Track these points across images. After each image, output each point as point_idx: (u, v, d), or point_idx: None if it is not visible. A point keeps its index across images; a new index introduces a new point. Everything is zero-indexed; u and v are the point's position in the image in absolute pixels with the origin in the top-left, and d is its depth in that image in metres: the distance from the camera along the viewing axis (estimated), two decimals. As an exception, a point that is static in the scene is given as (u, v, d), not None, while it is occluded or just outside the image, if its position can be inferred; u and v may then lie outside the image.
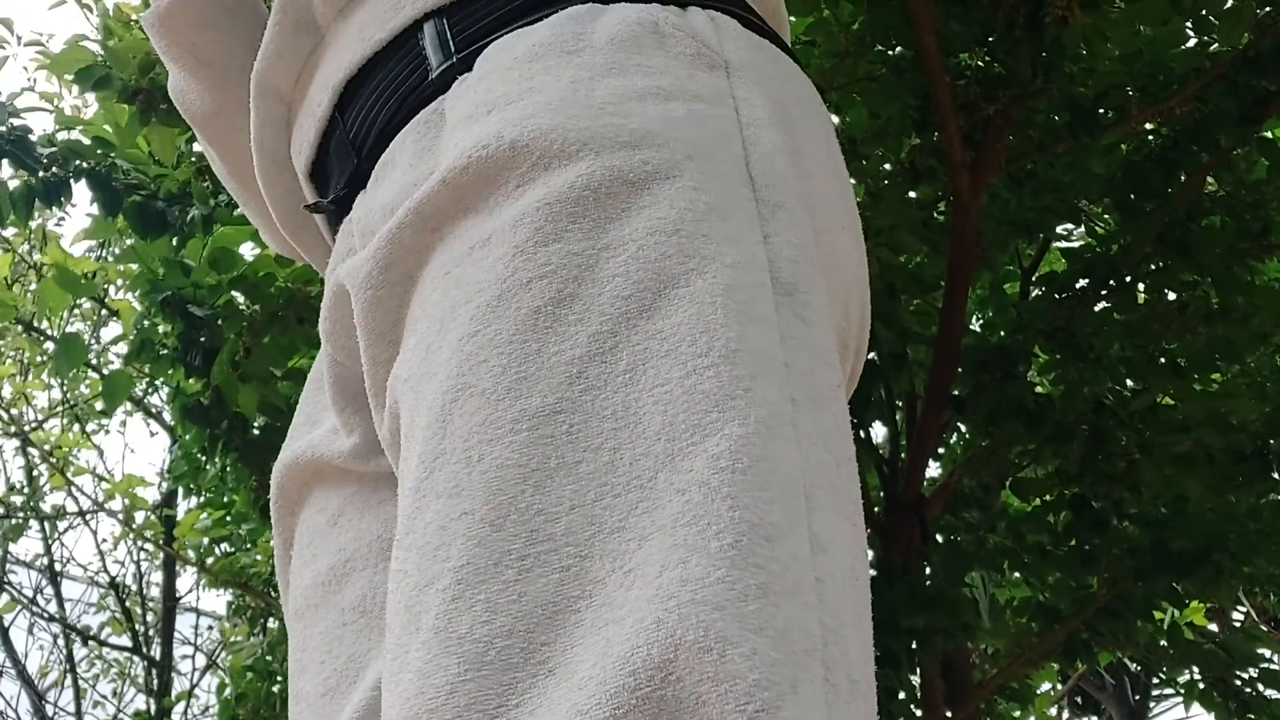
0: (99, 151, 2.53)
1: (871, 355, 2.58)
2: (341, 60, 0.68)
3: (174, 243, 2.67)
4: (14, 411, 5.64)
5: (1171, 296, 2.57)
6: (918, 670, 2.66)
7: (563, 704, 0.40)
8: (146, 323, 2.83)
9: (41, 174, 2.44)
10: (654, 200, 0.51)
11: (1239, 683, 2.85)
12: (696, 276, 0.49)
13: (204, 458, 3.42)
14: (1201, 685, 2.89)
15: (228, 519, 3.59)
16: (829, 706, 0.41)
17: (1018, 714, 3.60)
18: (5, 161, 2.48)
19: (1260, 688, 2.83)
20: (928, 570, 2.73)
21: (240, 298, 2.59)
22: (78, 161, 2.48)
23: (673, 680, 0.40)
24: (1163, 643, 2.86)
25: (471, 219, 0.53)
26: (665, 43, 0.58)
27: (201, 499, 3.80)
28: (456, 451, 0.47)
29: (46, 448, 5.54)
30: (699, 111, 0.55)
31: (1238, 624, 3.64)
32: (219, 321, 2.54)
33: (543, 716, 0.40)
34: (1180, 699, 4.92)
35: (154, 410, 5.42)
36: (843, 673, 0.42)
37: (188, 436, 3.25)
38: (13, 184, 2.48)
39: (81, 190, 2.52)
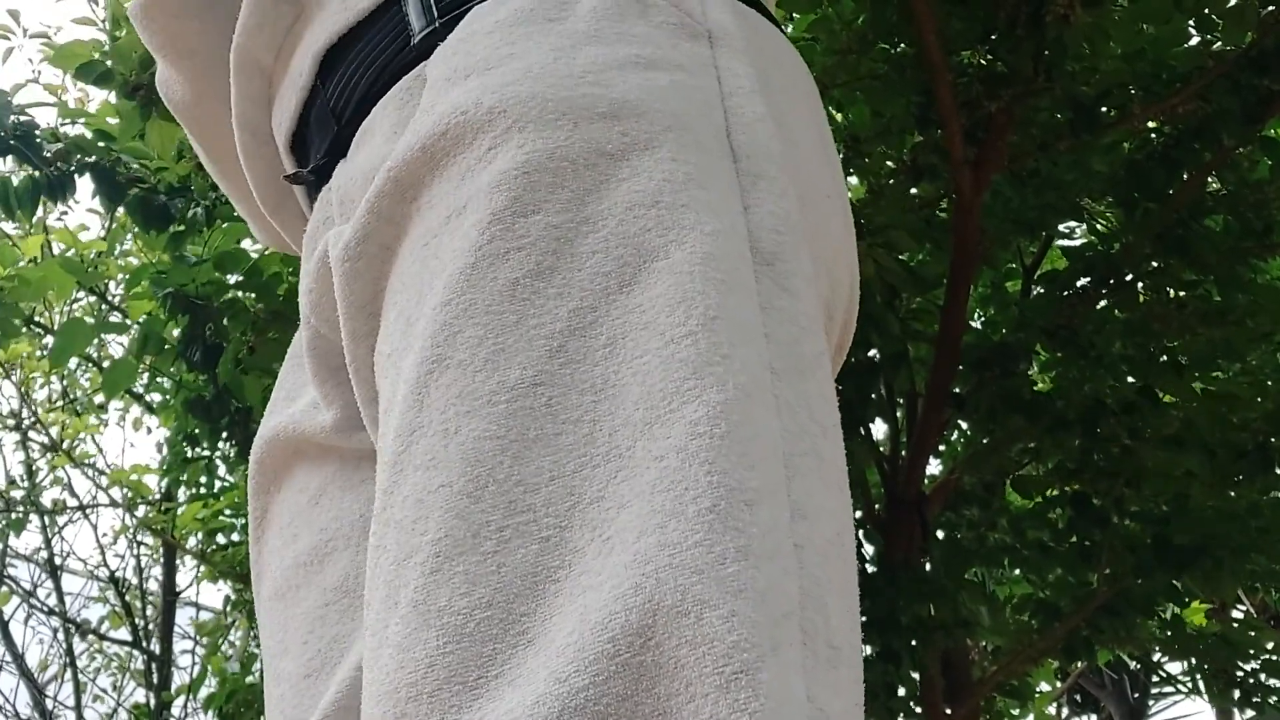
0: (101, 145, 2.53)
1: (872, 353, 2.58)
2: (324, 29, 0.67)
3: (177, 234, 2.67)
4: (13, 404, 5.64)
5: (1173, 295, 2.57)
6: (918, 667, 2.66)
7: (541, 672, 0.40)
8: (149, 314, 2.84)
9: (46, 169, 2.44)
10: (633, 172, 0.51)
11: (1240, 674, 2.86)
12: (675, 248, 0.49)
13: (190, 450, 3.42)
14: (1200, 677, 2.90)
15: (225, 513, 3.60)
16: (806, 671, 0.40)
17: (1017, 712, 3.60)
18: (9, 156, 2.49)
19: (1262, 678, 2.84)
20: (928, 567, 2.74)
21: (244, 294, 2.59)
22: (80, 156, 2.48)
23: (651, 645, 0.39)
24: (1167, 633, 2.87)
25: (447, 185, 0.53)
26: (648, 11, 0.58)
27: (191, 492, 3.80)
28: (434, 424, 0.47)
29: (50, 437, 5.53)
30: (681, 81, 0.55)
31: (1237, 623, 3.64)
32: (224, 319, 2.54)
33: (522, 686, 0.40)
34: (1180, 697, 4.92)
35: (153, 406, 5.42)
36: (822, 639, 0.42)
37: (175, 431, 3.26)
38: (17, 179, 2.48)
39: (84, 184, 2.52)
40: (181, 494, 4.30)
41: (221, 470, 3.64)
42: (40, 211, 4.55)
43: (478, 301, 0.49)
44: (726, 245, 0.49)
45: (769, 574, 0.41)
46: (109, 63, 2.33)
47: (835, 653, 0.42)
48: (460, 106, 0.54)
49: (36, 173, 2.44)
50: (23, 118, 2.47)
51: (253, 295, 2.55)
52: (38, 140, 2.47)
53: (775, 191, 0.53)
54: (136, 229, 2.73)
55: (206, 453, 3.47)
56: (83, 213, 5.83)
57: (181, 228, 2.59)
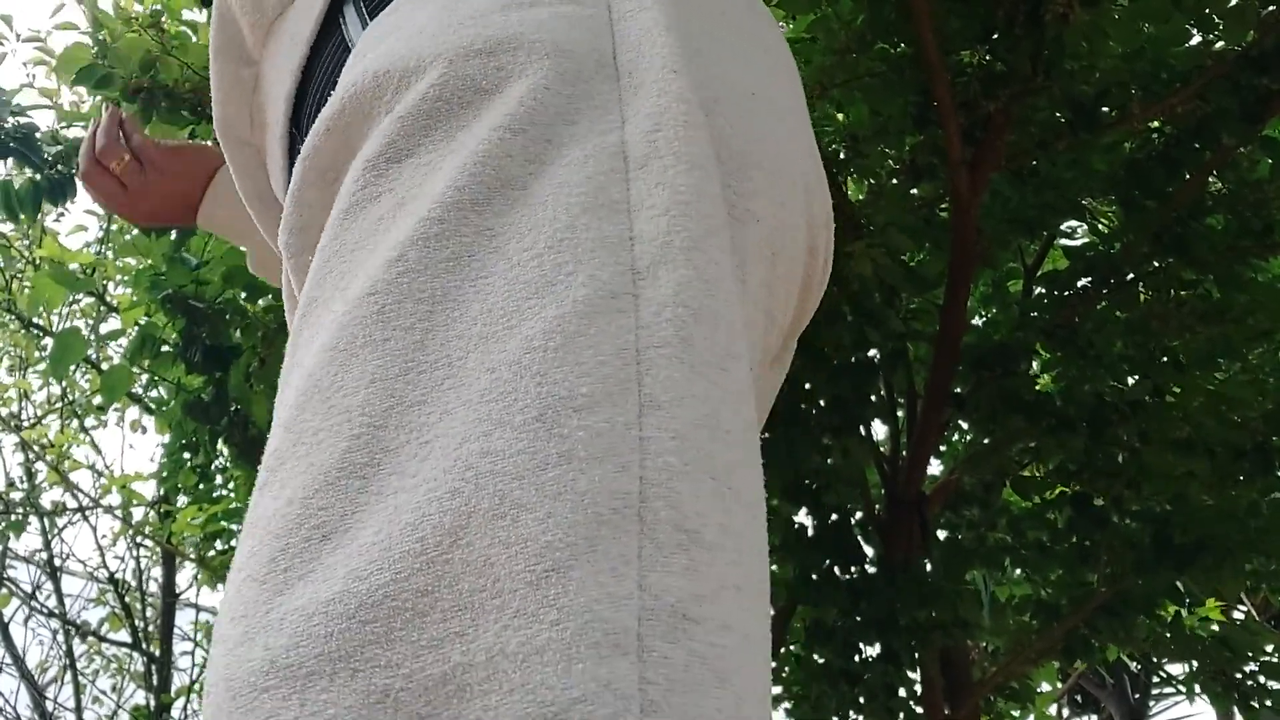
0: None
1: (871, 353, 2.58)
2: (281, 75, 0.69)
3: (175, 235, 2.67)
4: (12, 407, 5.64)
5: (1173, 295, 2.57)
6: (918, 667, 2.66)
7: (340, 569, 0.39)
8: (146, 319, 2.83)
9: (46, 171, 2.44)
10: (504, 101, 0.51)
11: (1240, 675, 2.85)
12: (534, 180, 0.48)
13: (188, 455, 3.42)
14: (1201, 679, 2.90)
15: (219, 516, 3.60)
16: (642, 560, 0.39)
17: (1018, 713, 3.60)
18: (9, 159, 2.48)
19: (1262, 679, 2.83)
20: (928, 567, 2.73)
21: (244, 295, 2.59)
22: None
23: (462, 544, 0.39)
24: (1167, 634, 2.87)
25: (354, 158, 0.54)
26: None
27: (192, 498, 3.80)
28: (295, 353, 0.48)
29: (44, 444, 5.53)
30: (565, 12, 0.54)
31: (1239, 622, 3.64)
32: (225, 317, 2.53)
33: (317, 583, 0.39)
34: (1181, 698, 4.92)
35: (152, 407, 5.41)
36: (669, 525, 0.40)
37: (173, 436, 3.25)
38: (19, 182, 2.47)
39: (82, 189, 2.51)
40: (181, 499, 4.30)
41: (219, 479, 3.63)
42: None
43: (347, 242, 0.49)
44: (589, 168, 0.49)
45: (595, 475, 0.40)
46: (110, 65, 2.32)
47: (688, 535, 0.40)
48: (352, 80, 0.55)
49: (38, 175, 2.44)
50: (23, 119, 2.47)
51: (260, 305, 2.55)
52: (38, 143, 2.47)
53: (654, 95, 0.52)
54: (134, 230, 2.72)
55: (202, 460, 3.47)
56: (80, 214, 5.84)
57: (177, 231, 2.59)
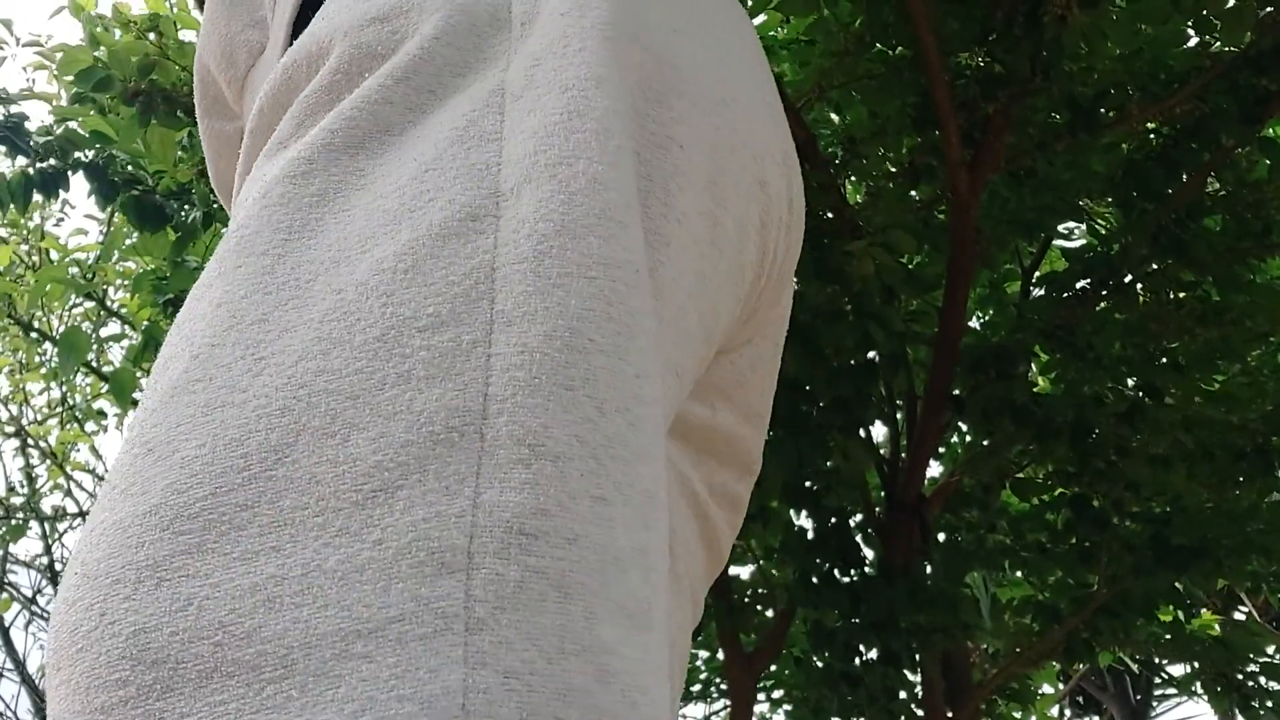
0: (98, 146, 2.52)
1: (871, 355, 2.58)
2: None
3: (177, 239, 2.67)
4: (12, 410, 5.64)
5: (1171, 296, 2.57)
6: (918, 670, 2.66)
7: (160, 482, 0.39)
8: (149, 321, 2.83)
9: (39, 164, 2.44)
10: (396, 64, 0.51)
11: (1240, 676, 2.85)
12: (411, 127, 0.48)
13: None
14: (1201, 679, 2.90)
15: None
16: (479, 477, 0.38)
17: (1018, 715, 3.59)
18: (1, 149, 2.48)
19: (1262, 680, 2.83)
20: (928, 569, 2.73)
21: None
22: (76, 153, 2.47)
23: (287, 461, 0.38)
24: (1165, 636, 2.87)
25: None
26: None
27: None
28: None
29: (44, 448, 5.53)
30: None
31: (1239, 624, 3.64)
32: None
33: (134, 497, 0.39)
34: (1182, 699, 4.91)
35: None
36: (511, 440, 0.39)
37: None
38: (9, 173, 2.47)
39: (80, 187, 2.52)
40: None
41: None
42: (38, 218, 4.55)
43: (238, 202, 0.49)
44: (464, 107, 0.48)
45: (433, 395, 0.39)
46: (109, 68, 2.33)
47: (531, 449, 0.39)
48: (268, 83, 0.55)
49: (30, 168, 2.44)
50: (14, 108, 2.47)
51: None
52: (28, 133, 2.47)
53: (538, 36, 0.51)
54: (135, 233, 2.72)
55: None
56: (80, 218, 5.85)
57: (178, 234, 2.59)
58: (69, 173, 2.46)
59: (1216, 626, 3.46)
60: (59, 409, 5.79)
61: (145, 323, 2.87)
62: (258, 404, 0.39)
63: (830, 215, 2.42)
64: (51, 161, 2.42)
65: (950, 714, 2.73)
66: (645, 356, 0.45)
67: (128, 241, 3.77)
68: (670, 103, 0.54)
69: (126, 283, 4.31)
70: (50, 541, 6.12)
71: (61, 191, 2.47)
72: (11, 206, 2.43)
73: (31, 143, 2.43)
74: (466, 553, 0.36)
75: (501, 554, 0.37)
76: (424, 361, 0.40)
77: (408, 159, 0.47)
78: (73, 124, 2.55)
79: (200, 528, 0.37)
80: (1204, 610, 3.27)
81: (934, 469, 3.20)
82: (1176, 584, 2.61)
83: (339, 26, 0.53)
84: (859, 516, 2.76)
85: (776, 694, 3.60)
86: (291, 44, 0.66)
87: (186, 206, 2.56)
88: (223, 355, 0.41)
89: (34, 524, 5.98)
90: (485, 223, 0.44)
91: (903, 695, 2.71)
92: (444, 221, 0.44)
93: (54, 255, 4.00)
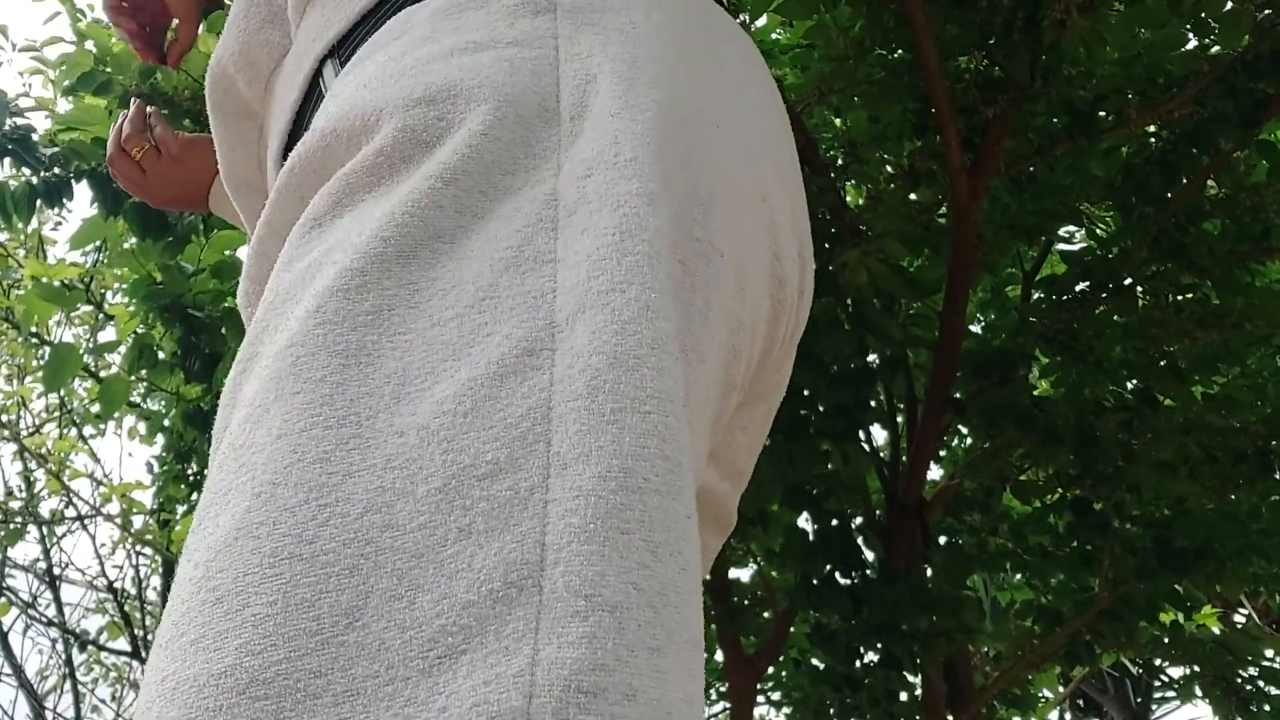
0: (101, 153, 2.52)
1: (871, 359, 2.58)
2: (277, 129, 0.69)
3: (169, 242, 2.67)
4: (10, 416, 5.63)
5: (1171, 299, 2.57)
6: (919, 673, 2.66)
7: (232, 640, 0.38)
8: (143, 328, 2.83)
9: (43, 174, 2.44)
10: (441, 151, 0.50)
11: (1240, 679, 2.85)
12: (463, 234, 0.47)
13: (182, 467, 3.41)
14: (1201, 682, 2.90)
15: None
16: (539, 633, 0.38)
17: (1019, 719, 3.60)
18: (6, 160, 2.48)
19: (1261, 684, 2.83)
20: (929, 573, 2.73)
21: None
22: (78, 163, 2.47)
23: (358, 626, 0.38)
24: (1165, 639, 2.87)
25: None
26: (488, 3, 0.58)
27: (185, 508, 3.79)
28: (231, 410, 0.48)
29: (43, 452, 5.53)
30: (509, 55, 0.53)
31: (1240, 627, 3.64)
32: (222, 330, 2.53)
33: (207, 652, 0.38)
34: (1184, 701, 4.91)
35: (149, 415, 5.41)
36: (569, 592, 0.38)
37: (166, 448, 3.25)
38: (14, 184, 2.47)
39: (81, 193, 2.52)
40: (180, 505, 4.28)
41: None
42: (35, 223, 4.55)
43: (280, 293, 0.49)
44: (518, 220, 0.48)
45: (493, 549, 0.39)
46: (110, 72, 2.33)
47: (588, 601, 0.38)
48: (303, 142, 0.54)
49: (34, 178, 2.44)
50: (20, 120, 2.47)
51: None
52: (35, 144, 2.47)
53: (591, 140, 0.51)
54: (131, 239, 2.72)
55: (199, 468, 3.46)
56: (78, 222, 5.85)
57: (170, 238, 2.59)
58: (73, 182, 2.46)
59: (1217, 621, 3.47)
60: (56, 413, 5.78)
61: (135, 331, 2.87)
62: (326, 559, 0.39)
63: (830, 219, 2.42)
64: (55, 171, 2.42)
65: (951, 717, 2.73)
66: (691, 493, 0.45)
67: (126, 245, 3.76)
68: (714, 208, 0.54)
69: (124, 286, 4.30)
70: (48, 546, 6.11)
71: (65, 199, 2.47)
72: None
73: (38, 154, 2.43)
74: (525, 714, 0.36)
75: (560, 713, 0.36)
76: (484, 514, 0.40)
77: (463, 278, 0.46)
78: (75, 133, 2.55)
79: (276, 694, 0.37)
80: (1204, 608, 3.27)
81: (935, 472, 3.20)
82: (1178, 587, 2.61)
83: (385, 102, 0.52)
84: (860, 520, 2.76)
85: (776, 696, 3.60)
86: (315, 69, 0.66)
87: (190, 215, 2.56)
88: (286, 497, 0.41)
89: (32, 528, 5.97)
90: (541, 357, 0.44)
91: (904, 698, 2.71)
92: (501, 359, 0.43)
93: (51, 257, 4.00)
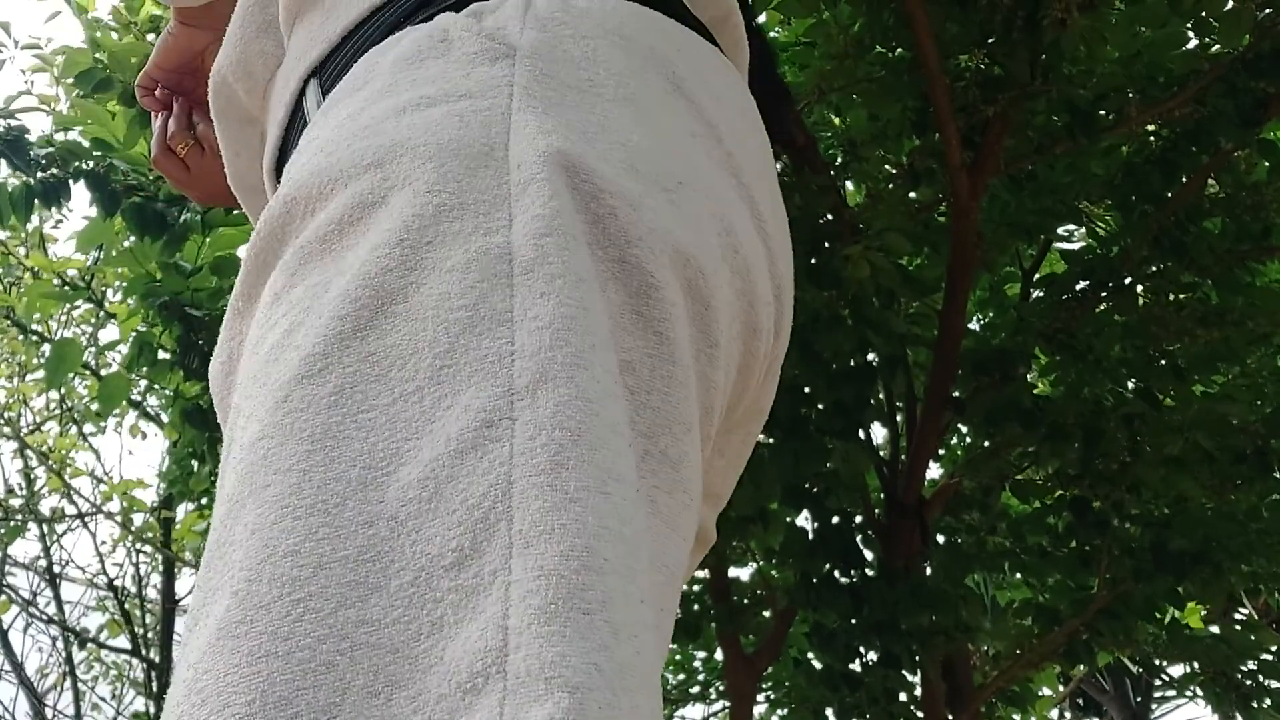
0: (98, 154, 2.52)
1: (870, 357, 2.58)
2: (268, 146, 0.70)
3: (166, 241, 2.67)
4: (10, 414, 5.63)
5: (1171, 298, 2.57)
6: (918, 672, 2.66)
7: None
8: (143, 327, 2.83)
9: (40, 174, 2.44)
10: (388, 213, 0.49)
11: (1239, 675, 2.85)
12: (415, 290, 0.47)
13: (196, 462, 3.42)
14: (1201, 679, 2.90)
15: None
16: (504, 713, 0.38)
17: (1018, 718, 3.60)
18: (2, 162, 2.48)
19: (1261, 679, 2.83)
20: (928, 572, 2.73)
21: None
22: (77, 163, 2.47)
23: None
24: (1164, 636, 2.87)
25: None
26: (450, 49, 0.57)
27: (196, 505, 3.79)
28: (217, 503, 0.48)
29: (44, 450, 5.53)
30: (459, 109, 0.53)
31: (1239, 625, 3.64)
32: (220, 326, 2.53)
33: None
34: (1182, 701, 4.91)
35: (152, 413, 5.42)
36: (529, 675, 0.39)
37: (180, 442, 3.25)
38: (12, 185, 2.47)
39: (80, 192, 2.52)
40: (181, 509, 4.29)
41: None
42: (35, 220, 4.55)
43: (249, 376, 0.49)
44: (471, 276, 0.47)
45: (462, 640, 0.39)
46: (109, 70, 2.33)
47: (547, 683, 0.38)
48: (269, 207, 0.54)
49: (31, 179, 2.44)
50: (13, 122, 2.47)
51: None
52: (29, 145, 2.47)
53: (545, 194, 0.50)
54: (130, 239, 2.72)
55: (209, 466, 3.47)
56: (78, 220, 5.85)
57: (165, 236, 2.59)
58: (70, 182, 2.46)
59: (1199, 622, 3.46)
60: (57, 411, 5.79)
61: (135, 330, 2.87)
62: (302, 656, 0.39)
63: (830, 218, 2.42)
64: (53, 171, 2.42)
65: (951, 716, 2.73)
66: (646, 579, 0.45)
67: (126, 244, 3.77)
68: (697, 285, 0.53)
69: (124, 284, 4.31)
70: (49, 543, 6.12)
71: (63, 200, 2.47)
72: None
73: (32, 155, 2.43)
74: None
75: None
76: (453, 605, 0.40)
77: (422, 345, 0.46)
78: (74, 134, 2.55)
79: None
80: (1189, 604, 3.27)
81: (934, 471, 3.20)
82: (1178, 588, 2.61)
83: (339, 169, 0.52)
84: (859, 518, 2.76)
85: (775, 695, 3.60)
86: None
87: (187, 213, 2.56)
88: (261, 594, 0.41)
89: (32, 525, 5.97)
90: (500, 428, 0.43)
91: (903, 697, 2.71)
92: (460, 434, 0.43)
93: (51, 255, 4.00)
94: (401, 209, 0.49)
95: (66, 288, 3.21)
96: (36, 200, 2.45)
